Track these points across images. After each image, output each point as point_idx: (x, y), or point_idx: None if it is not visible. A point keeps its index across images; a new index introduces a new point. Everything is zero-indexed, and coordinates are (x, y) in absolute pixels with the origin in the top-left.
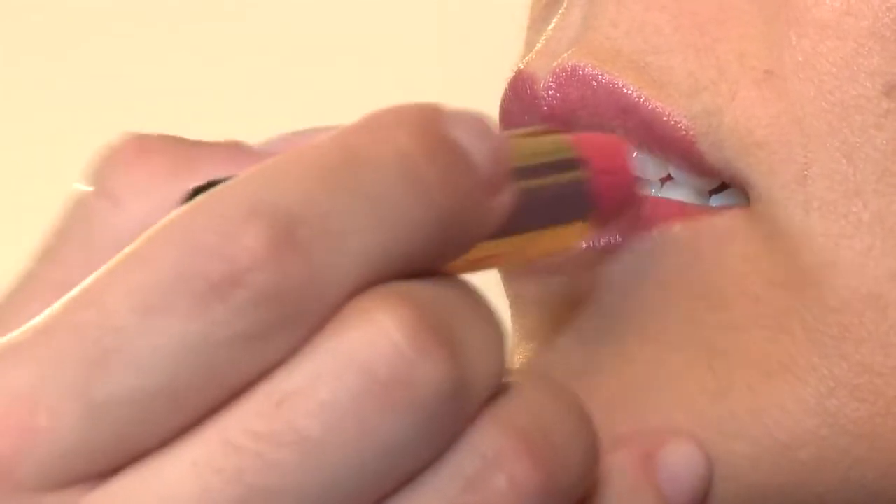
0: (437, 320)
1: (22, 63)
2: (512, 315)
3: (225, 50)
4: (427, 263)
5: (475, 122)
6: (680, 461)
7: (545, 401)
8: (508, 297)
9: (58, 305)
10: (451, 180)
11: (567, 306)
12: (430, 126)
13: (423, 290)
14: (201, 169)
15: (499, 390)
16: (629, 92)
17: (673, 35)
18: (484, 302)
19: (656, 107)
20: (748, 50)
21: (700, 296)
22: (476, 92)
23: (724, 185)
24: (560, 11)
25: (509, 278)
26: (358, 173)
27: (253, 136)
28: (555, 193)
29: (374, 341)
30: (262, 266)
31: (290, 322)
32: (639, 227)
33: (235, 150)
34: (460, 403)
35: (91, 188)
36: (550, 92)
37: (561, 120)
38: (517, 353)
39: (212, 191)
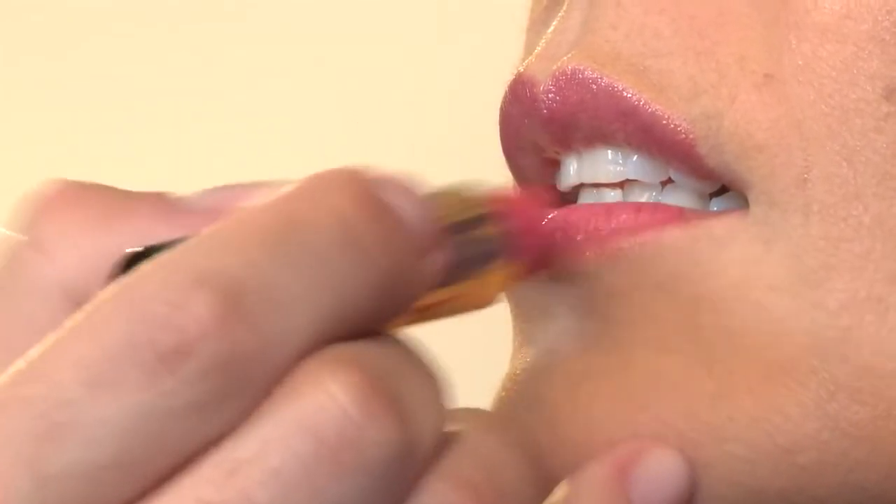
0: (383, 383)
1: (22, 63)
2: (513, 320)
3: (224, 50)
4: (369, 323)
5: (402, 185)
6: (657, 475)
7: (488, 446)
8: (508, 302)
9: (5, 377)
10: (389, 242)
11: (567, 312)
12: (365, 189)
13: (367, 351)
14: (130, 220)
15: (442, 442)
16: (629, 95)
17: (672, 38)
18: (422, 357)
19: (656, 110)
20: (748, 53)
21: (699, 300)
22: (476, 95)
23: (724, 188)
24: (560, 14)
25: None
26: (300, 239)
27: (249, 138)
28: (478, 247)
29: (322, 407)
30: (211, 335)
31: (239, 390)
32: (632, 233)
33: (165, 204)
34: (409, 463)
35: (19, 236)
36: (550, 95)
37: (560, 123)
38: (518, 359)
39: (157, 258)
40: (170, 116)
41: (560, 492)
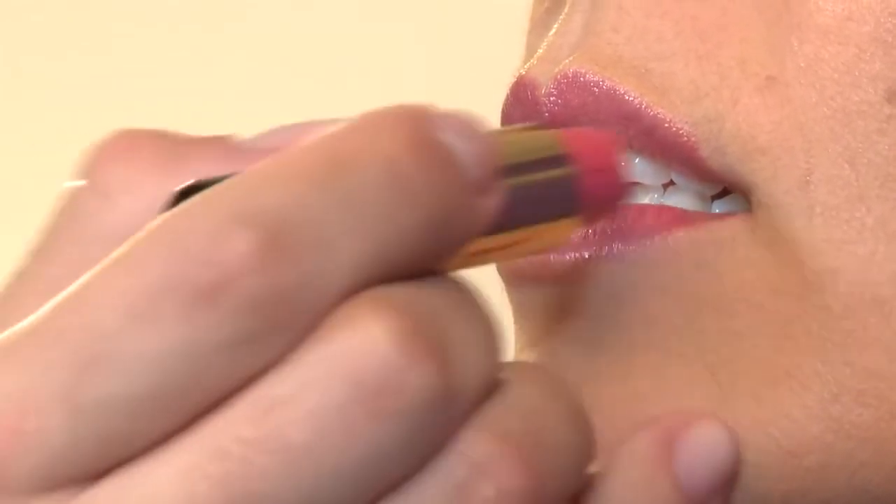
0: (426, 326)
1: (22, 63)
2: (515, 322)
3: (223, 49)
4: (417, 265)
5: (463, 123)
6: (702, 447)
7: (539, 399)
8: (511, 304)
9: (46, 308)
10: (439, 183)
11: (569, 314)
12: (418, 129)
13: (412, 293)
14: (191, 164)
15: (488, 389)
16: (631, 98)
17: (674, 41)
18: (476, 299)
19: (658, 113)
20: (750, 56)
21: (702, 303)
22: (477, 96)
23: (726, 190)
24: (561, 17)
25: (512, 286)
26: (346, 178)
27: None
28: (543, 190)
29: (361, 349)
30: (251, 272)
31: (278, 328)
32: (635, 235)
33: (225, 146)
34: (448, 411)
35: (82, 184)
36: (552, 98)
37: (562, 126)
38: (520, 360)
39: (200, 195)
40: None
41: (603, 463)
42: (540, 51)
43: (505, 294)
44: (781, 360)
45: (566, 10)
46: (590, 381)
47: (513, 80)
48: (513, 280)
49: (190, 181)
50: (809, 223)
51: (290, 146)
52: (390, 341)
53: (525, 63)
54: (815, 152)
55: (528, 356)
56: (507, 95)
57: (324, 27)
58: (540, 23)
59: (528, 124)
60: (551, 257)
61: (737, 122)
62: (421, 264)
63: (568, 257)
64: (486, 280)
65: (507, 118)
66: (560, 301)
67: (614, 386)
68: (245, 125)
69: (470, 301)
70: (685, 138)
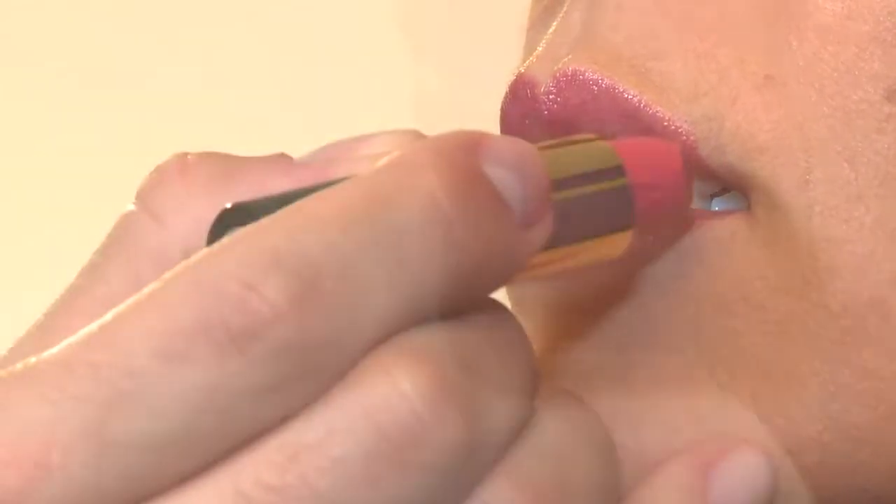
0: (455, 378)
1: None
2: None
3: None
4: (458, 302)
5: (513, 151)
6: (738, 475)
7: (567, 440)
8: (511, 301)
9: (79, 337)
10: (482, 223)
11: (569, 312)
12: (461, 163)
13: (445, 339)
14: (243, 183)
15: (522, 426)
16: (630, 97)
17: (673, 40)
18: (515, 335)
19: (657, 112)
20: (749, 55)
21: (702, 301)
22: (477, 95)
23: (726, 189)
24: (560, 15)
25: (513, 283)
26: (383, 221)
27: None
28: (596, 205)
29: (388, 401)
30: (283, 319)
31: (307, 376)
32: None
33: (276, 164)
34: (474, 461)
35: (135, 207)
36: (551, 97)
37: (561, 124)
38: None
39: (236, 234)
40: (166, 115)
41: (637, 490)
42: (539, 49)
43: (504, 291)
44: (780, 359)
45: (565, 8)
46: (590, 378)
47: (512, 78)
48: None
49: (229, 203)
50: (808, 222)
51: (341, 159)
52: (417, 393)
53: (524, 61)
54: (814, 151)
55: None
56: (506, 93)
57: (321, 23)
58: (539, 21)
59: (584, 135)
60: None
61: (736, 121)
62: (462, 302)
63: None
64: None
65: (505, 116)
66: (560, 298)
67: (614, 383)
68: (247, 122)
69: (508, 339)
70: (684, 137)
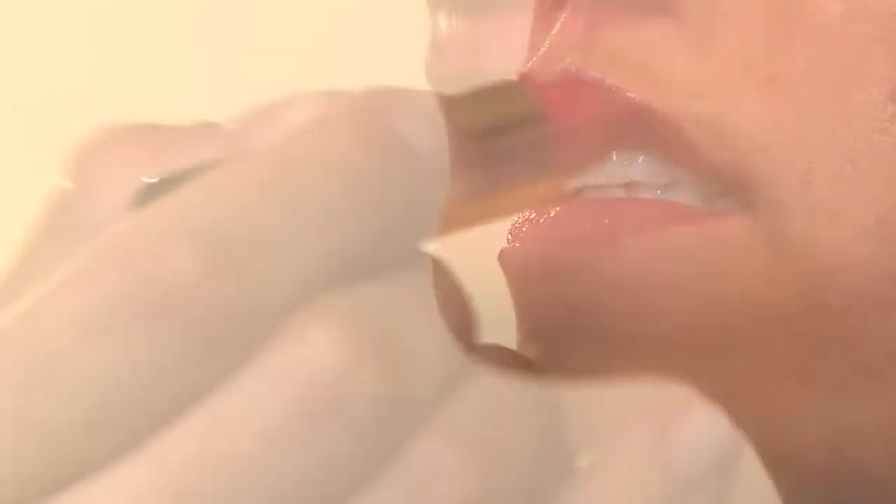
0: (375, 333)
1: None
2: (516, 314)
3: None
4: (378, 260)
5: (425, 106)
6: (694, 433)
7: (500, 393)
8: (513, 296)
9: (3, 321)
10: (397, 180)
11: (570, 309)
12: (371, 121)
13: (365, 296)
14: (174, 151)
15: (446, 389)
16: (632, 96)
17: (675, 39)
18: (430, 301)
19: (659, 111)
20: (750, 54)
21: (703, 300)
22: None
23: (727, 188)
24: (563, 14)
25: (513, 279)
26: (295, 185)
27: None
28: (519, 151)
29: (308, 362)
30: (197, 289)
31: (225, 344)
32: (636, 231)
33: (209, 133)
34: (401, 417)
35: (67, 185)
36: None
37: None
38: (521, 351)
39: (151, 207)
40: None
41: (593, 455)
42: (542, 48)
43: (506, 288)
44: (781, 358)
45: (569, 7)
46: (590, 377)
47: (515, 76)
48: (514, 276)
49: (153, 178)
50: (810, 222)
51: (263, 123)
52: (335, 353)
53: (528, 60)
54: (815, 151)
55: (529, 349)
56: None
57: (322, 25)
58: (542, 20)
59: (503, 80)
60: (553, 253)
61: (738, 121)
62: (384, 258)
63: (569, 254)
64: (487, 273)
65: None
66: (561, 295)
67: (613, 381)
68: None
69: (437, 292)
70: (686, 136)
